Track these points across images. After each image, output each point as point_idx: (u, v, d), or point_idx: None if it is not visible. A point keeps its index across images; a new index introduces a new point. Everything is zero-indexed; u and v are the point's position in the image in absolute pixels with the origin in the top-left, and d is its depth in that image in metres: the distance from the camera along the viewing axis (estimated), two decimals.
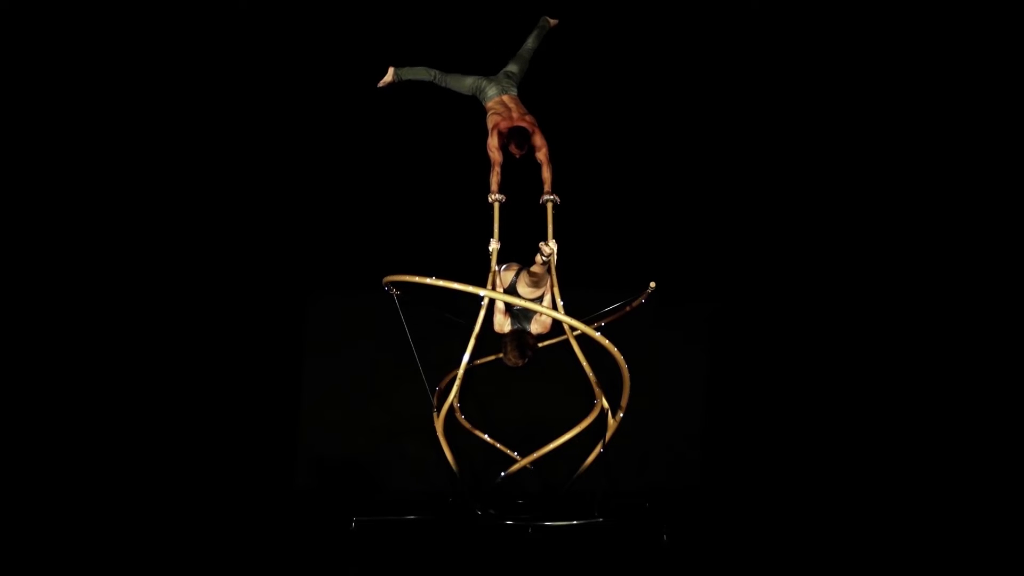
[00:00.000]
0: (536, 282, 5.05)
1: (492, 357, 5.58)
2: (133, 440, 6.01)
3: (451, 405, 5.41)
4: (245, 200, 6.39)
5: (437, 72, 5.51)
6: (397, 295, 5.16)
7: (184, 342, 6.28)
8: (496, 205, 5.26)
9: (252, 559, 4.63)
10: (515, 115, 5.28)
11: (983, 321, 6.09)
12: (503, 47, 5.62)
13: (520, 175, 5.41)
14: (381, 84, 5.58)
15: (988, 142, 6.11)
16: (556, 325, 5.18)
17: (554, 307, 5.06)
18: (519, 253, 5.54)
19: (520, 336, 4.99)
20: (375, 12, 6.13)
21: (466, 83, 5.48)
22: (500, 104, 5.35)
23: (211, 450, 6.16)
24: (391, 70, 5.54)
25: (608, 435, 5.23)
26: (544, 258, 4.81)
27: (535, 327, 5.08)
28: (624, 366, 4.98)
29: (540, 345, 5.37)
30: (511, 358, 5.01)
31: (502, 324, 5.15)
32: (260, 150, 6.33)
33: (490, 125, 5.29)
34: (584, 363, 5.11)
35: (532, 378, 5.78)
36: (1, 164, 5.81)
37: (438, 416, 5.25)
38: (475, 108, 5.59)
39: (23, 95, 5.83)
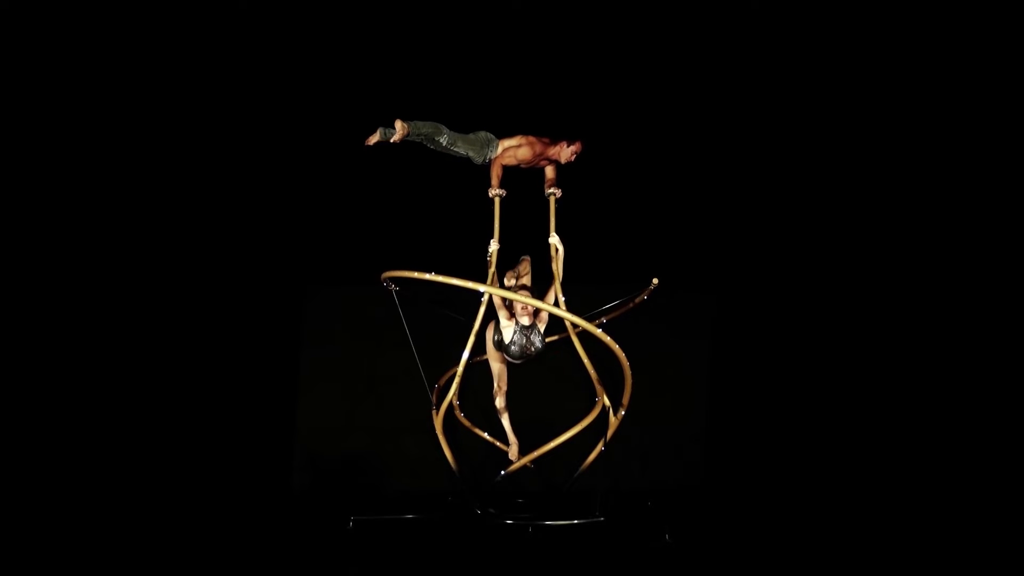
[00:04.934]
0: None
1: None
2: (129, 439, 5.98)
3: (450, 403, 5.37)
4: (242, 195, 6.34)
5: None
6: (396, 291, 5.12)
7: (180, 339, 6.23)
8: (496, 200, 5.21)
9: (250, 559, 4.59)
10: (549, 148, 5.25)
11: (983, 316, 6.05)
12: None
13: (522, 172, 5.37)
14: None
15: (987, 138, 6.07)
16: (556, 321, 5.14)
17: (556, 303, 5.01)
18: (519, 250, 5.49)
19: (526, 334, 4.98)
20: (372, 11, 6.08)
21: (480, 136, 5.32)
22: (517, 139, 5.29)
23: (207, 449, 6.12)
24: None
25: (609, 433, 5.19)
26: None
27: (524, 318, 4.99)
28: (626, 363, 4.93)
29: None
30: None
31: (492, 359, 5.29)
32: (257, 146, 6.27)
33: (526, 142, 5.24)
34: (586, 360, 5.06)
35: (533, 375, 5.73)
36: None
37: (437, 414, 5.20)
38: (473, 106, 5.57)
39: (22, 95, 5.78)
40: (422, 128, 5.12)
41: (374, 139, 5.10)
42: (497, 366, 5.33)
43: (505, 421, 5.37)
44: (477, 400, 6.01)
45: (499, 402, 5.33)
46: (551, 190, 5.30)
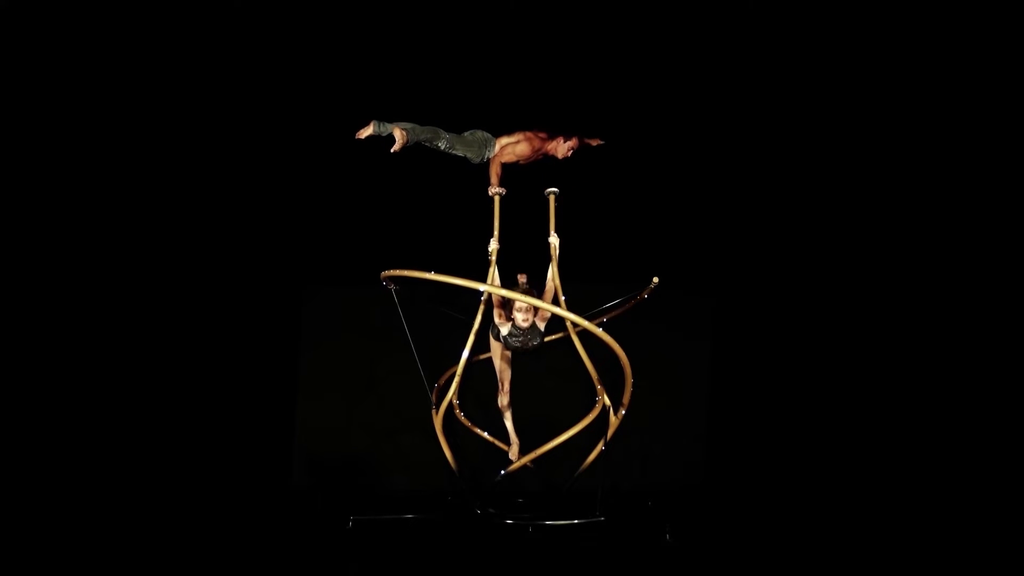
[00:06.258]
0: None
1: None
2: (128, 439, 5.96)
3: (450, 402, 5.36)
4: (240, 195, 6.33)
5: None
6: (395, 290, 5.11)
7: (179, 338, 6.22)
8: (496, 199, 5.19)
9: (250, 558, 4.58)
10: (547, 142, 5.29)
11: (981, 317, 6.03)
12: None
13: (521, 170, 5.36)
14: None
15: (985, 140, 6.05)
16: (556, 320, 5.13)
17: (556, 302, 5.00)
18: (519, 250, 5.47)
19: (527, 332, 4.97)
20: (369, 10, 6.08)
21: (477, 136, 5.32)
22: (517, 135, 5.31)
23: (208, 449, 6.11)
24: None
25: (610, 433, 5.18)
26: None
27: (521, 319, 4.97)
28: (626, 362, 4.92)
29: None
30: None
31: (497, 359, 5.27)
32: (255, 146, 6.26)
33: (524, 138, 5.26)
34: (586, 359, 5.05)
35: (534, 375, 5.72)
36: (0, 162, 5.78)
37: (437, 413, 5.19)
38: (473, 105, 5.57)
39: (22, 95, 5.77)
40: (420, 134, 5.10)
41: (366, 132, 4.99)
42: (500, 365, 5.31)
43: (507, 420, 5.36)
44: (477, 400, 6.00)
45: (502, 401, 5.32)
46: (551, 189, 5.32)
